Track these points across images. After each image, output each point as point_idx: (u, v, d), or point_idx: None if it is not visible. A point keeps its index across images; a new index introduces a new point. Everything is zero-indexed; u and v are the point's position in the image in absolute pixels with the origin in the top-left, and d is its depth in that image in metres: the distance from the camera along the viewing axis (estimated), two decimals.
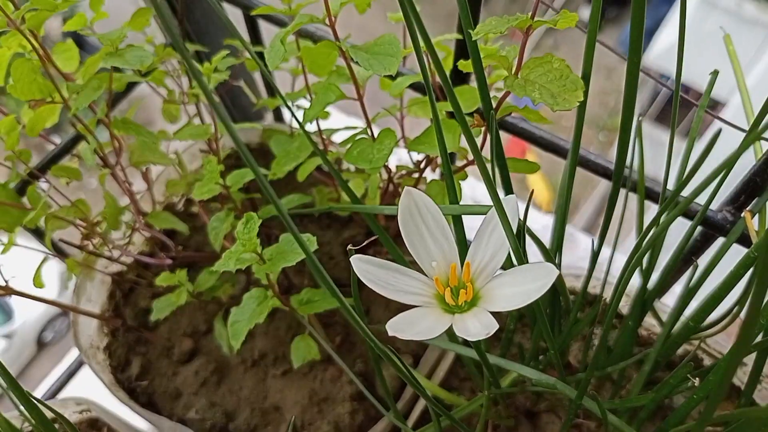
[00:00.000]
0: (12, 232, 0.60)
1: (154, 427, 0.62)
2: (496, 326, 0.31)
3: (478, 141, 0.53)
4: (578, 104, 0.41)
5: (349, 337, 0.69)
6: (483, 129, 0.55)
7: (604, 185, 2.77)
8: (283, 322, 0.70)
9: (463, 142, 0.45)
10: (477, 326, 0.32)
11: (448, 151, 0.54)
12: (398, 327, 0.31)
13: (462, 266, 0.36)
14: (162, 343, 0.70)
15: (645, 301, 0.55)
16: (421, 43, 0.38)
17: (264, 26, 0.73)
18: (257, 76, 0.86)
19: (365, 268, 0.35)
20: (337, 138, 0.67)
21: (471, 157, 0.57)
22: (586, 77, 0.43)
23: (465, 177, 0.58)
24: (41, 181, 0.63)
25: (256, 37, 0.74)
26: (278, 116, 0.86)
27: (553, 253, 0.52)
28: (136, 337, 0.70)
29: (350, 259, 0.35)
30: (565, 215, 0.51)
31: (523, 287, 0.33)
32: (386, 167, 0.61)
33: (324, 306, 0.54)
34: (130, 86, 0.66)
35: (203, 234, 0.74)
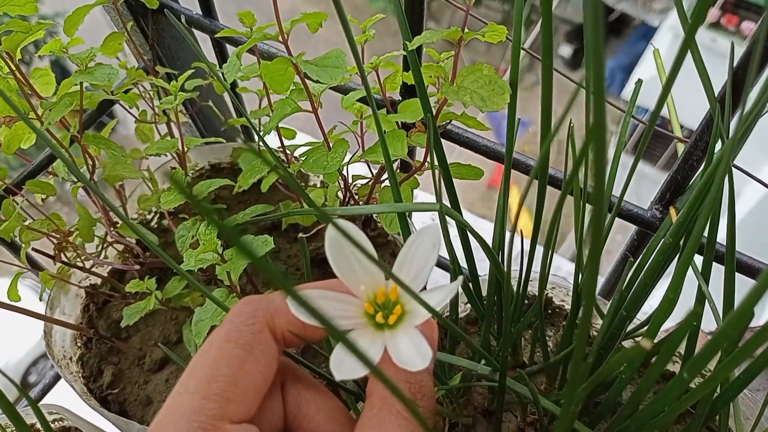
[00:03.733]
0: None
1: (125, 431, 0.64)
2: (430, 354, 0.33)
3: (423, 151, 0.57)
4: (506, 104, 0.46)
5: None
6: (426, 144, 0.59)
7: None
8: None
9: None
10: (410, 350, 0.34)
11: (399, 158, 0.58)
12: (340, 364, 0.33)
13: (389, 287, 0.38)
14: (134, 353, 0.72)
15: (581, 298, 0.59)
16: (370, 61, 0.42)
17: (231, 50, 0.77)
18: (229, 100, 0.91)
19: (299, 310, 0.34)
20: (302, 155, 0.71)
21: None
22: (513, 84, 0.47)
23: (417, 185, 0.62)
24: (18, 197, 0.66)
25: (224, 60, 0.78)
26: (248, 137, 0.90)
27: (495, 251, 0.55)
28: (109, 348, 0.72)
29: (287, 301, 0.36)
30: (503, 217, 0.55)
31: (440, 294, 0.36)
32: (343, 177, 0.65)
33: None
34: (104, 107, 0.70)
35: (175, 248, 0.78)
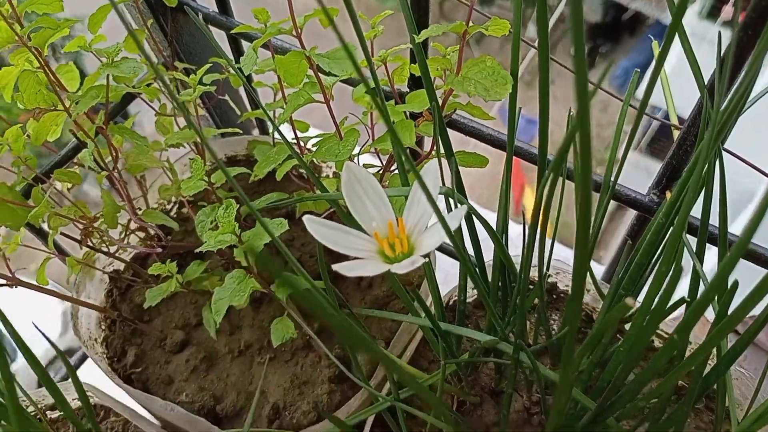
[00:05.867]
0: (18, 230, 0.67)
1: (147, 407, 0.68)
2: (422, 260, 0.38)
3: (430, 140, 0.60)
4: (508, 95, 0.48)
5: (326, 326, 0.75)
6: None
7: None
8: (267, 315, 0.76)
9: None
10: (407, 263, 0.39)
11: (408, 148, 0.61)
12: (344, 268, 0.38)
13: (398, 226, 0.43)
14: (156, 335, 0.76)
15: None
16: (379, 55, 0.45)
17: (246, 47, 0.81)
18: (244, 95, 0.94)
19: (317, 228, 0.41)
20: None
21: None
22: (514, 74, 0.50)
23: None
24: (46, 186, 0.70)
25: (239, 56, 0.82)
26: (263, 130, 0.93)
27: (499, 234, 0.58)
28: (132, 330, 0.76)
29: (304, 219, 0.41)
30: (506, 203, 0.57)
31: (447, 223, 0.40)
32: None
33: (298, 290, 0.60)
34: (126, 100, 0.73)
35: (195, 236, 0.81)
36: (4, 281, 0.64)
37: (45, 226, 0.78)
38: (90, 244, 0.67)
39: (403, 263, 0.40)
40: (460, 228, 0.53)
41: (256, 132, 0.99)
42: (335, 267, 0.38)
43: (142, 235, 0.74)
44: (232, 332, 0.76)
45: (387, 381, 0.71)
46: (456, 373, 0.67)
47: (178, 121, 0.78)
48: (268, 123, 0.91)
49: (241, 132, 0.80)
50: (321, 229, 0.42)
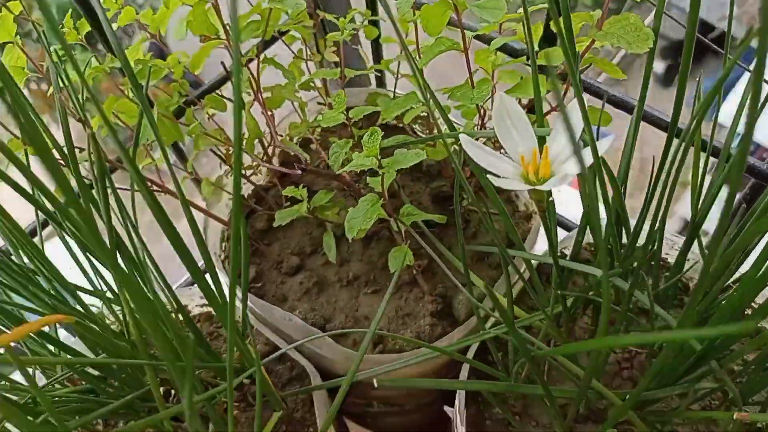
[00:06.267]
0: (167, 146, 0.75)
1: (267, 316, 0.75)
2: (570, 177, 0.42)
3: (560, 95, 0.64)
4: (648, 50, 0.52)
5: (431, 266, 0.80)
6: (565, 86, 0.66)
7: None
8: (375, 251, 0.81)
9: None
10: (554, 181, 0.43)
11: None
12: (498, 181, 0.43)
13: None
14: (273, 257, 0.83)
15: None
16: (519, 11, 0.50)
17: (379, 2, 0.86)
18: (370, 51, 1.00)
19: (472, 148, 0.46)
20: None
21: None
22: (656, 30, 0.53)
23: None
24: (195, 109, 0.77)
25: (373, 10, 0.87)
26: (380, 84, 0.99)
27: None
28: (253, 250, 0.83)
29: (461, 138, 0.46)
30: (629, 159, 0.61)
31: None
32: (480, 115, 0.72)
33: (421, 217, 0.66)
34: (273, 38, 0.80)
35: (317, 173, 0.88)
36: (157, 188, 0.71)
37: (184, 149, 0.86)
38: (229, 166, 0.74)
39: (551, 181, 0.45)
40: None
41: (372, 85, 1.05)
42: (491, 178, 0.43)
43: (276, 163, 0.81)
44: (342, 264, 0.82)
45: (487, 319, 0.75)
46: (556, 321, 0.71)
47: (309, 66, 0.85)
48: (387, 79, 0.97)
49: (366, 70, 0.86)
50: (475, 150, 0.46)
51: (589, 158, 0.44)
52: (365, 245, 0.82)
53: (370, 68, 0.88)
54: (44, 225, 0.74)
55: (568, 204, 1.10)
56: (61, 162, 0.55)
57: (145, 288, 0.57)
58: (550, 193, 0.51)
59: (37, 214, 0.68)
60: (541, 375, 0.49)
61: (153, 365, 0.59)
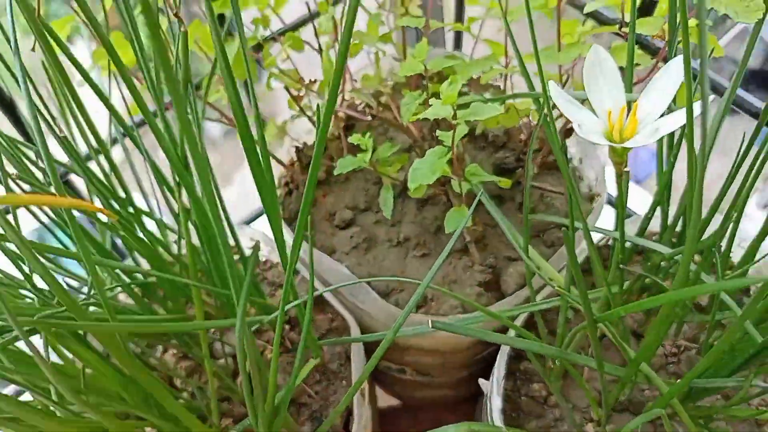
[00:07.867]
0: (241, 79, 0.74)
1: (315, 264, 0.74)
2: (661, 133, 0.40)
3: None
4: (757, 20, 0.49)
5: (484, 235, 0.78)
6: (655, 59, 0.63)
7: None
8: (429, 214, 0.80)
9: None
10: (641, 138, 0.42)
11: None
12: (579, 129, 0.41)
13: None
14: (326, 209, 0.82)
15: None
16: None
17: None
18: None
19: (559, 97, 0.44)
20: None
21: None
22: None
23: None
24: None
25: None
26: (457, 48, 0.98)
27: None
28: None
29: (551, 88, 0.44)
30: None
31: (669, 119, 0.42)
32: (561, 80, 0.70)
33: (487, 178, 0.64)
34: None
35: (383, 128, 0.87)
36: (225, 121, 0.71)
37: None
38: (300, 107, 0.73)
39: (637, 138, 0.43)
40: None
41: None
42: (575, 127, 0.41)
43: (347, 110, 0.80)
44: (393, 224, 0.81)
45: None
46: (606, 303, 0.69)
47: (390, 20, 0.83)
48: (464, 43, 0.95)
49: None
50: (561, 99, 0.44)
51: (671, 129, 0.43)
52: (419, 208, 0.81)
53: (453, 25, 0.87)
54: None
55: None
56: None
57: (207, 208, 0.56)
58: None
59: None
60: (597, 343, 0.47)
61: (204, 288, 0.59)
